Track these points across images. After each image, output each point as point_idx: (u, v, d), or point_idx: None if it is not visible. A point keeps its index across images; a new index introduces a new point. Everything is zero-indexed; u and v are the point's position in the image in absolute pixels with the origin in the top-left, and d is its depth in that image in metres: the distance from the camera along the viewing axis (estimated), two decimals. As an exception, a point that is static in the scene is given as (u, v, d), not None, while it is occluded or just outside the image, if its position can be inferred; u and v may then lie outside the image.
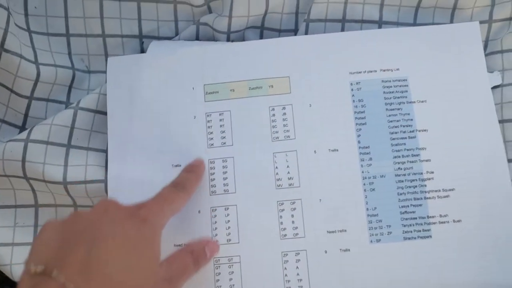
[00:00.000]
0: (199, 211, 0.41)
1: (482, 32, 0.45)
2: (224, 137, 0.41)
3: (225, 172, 0.41)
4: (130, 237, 0.30)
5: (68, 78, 0.46)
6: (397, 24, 0.47)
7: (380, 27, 0.46)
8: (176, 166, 0.41)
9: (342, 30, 0.47)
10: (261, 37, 0.47)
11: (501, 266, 0.39)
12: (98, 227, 0.30)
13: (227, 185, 0.41)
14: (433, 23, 0.46)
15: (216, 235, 0.40)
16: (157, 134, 0.42)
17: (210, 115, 0.42)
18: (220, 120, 0.42)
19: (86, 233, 0.29)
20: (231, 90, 0.42)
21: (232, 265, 0.40)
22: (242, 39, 0.47)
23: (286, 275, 0.39)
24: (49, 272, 0.27)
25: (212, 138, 0.42)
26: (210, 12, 0.47)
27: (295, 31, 0.47)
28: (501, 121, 0.42)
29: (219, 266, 0.40)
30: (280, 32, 0.47)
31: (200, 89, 0.42)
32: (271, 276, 0.40)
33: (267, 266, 0.40)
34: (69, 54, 0.47)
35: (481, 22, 0.45)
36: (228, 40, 0.46)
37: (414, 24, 0.47)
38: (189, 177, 0.38)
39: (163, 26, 0.47)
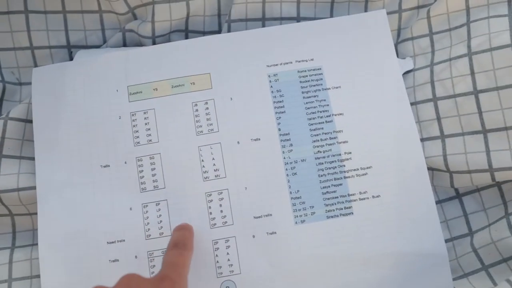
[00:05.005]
0: (130, 208, 0.42)
1: (393, 21, 0.48)
2: (150, 135, 0.43)
3: (153, 169, 0.42)
4: None
5: (-2, 91, 0.47)
6: (315, 19, 0.49)
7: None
8: (104, 166, 0.43)
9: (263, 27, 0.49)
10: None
11: (417, 236, 0.41)
12: None
13: (156, 181, 0.42)
14: (349, 16, 0.49)
15: (148, 229, 0.42)
16: (84, 137, 0.43)
17: (135, 114, 0.43)
18: (145, 118, 0.43)
19: None
20: (154, 90, 0.44)
21: (165, 257, 0.41)
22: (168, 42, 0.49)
23: (217, 261, 0.41)
24: None
25: (138, 137, 0.43)
26: (135, 18, 0.49)
27: (218, 32, 0.50)
28: (414, 103, 0.45)
29: (154, 259, 0.41)
30: (204, 33, 0.50)
31: (124, 91, 0.44)
32: (203, 264, 0.41)
33: (199, 255, 0.41)
34: (-1, 68, 0.48)
35: (392, 12, 0.48)
36: (153, 44, 0.48)
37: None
38: (184, 234, 0.39)
39: (91, 35, 0.49)
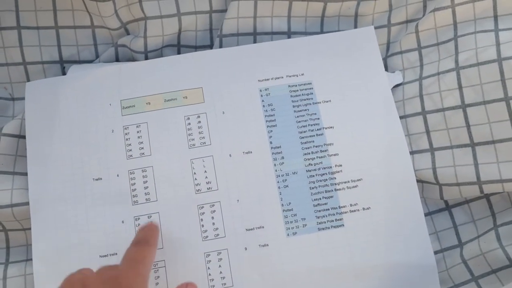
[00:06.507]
0: (122, 221, 0.42)
1: (382, 35, 0.49)
2: (143, 148, 0.43)
3: (145, 182, 0.43)
4: None
5: (-9, 107, 0.47)
6: (306, 33, 0.50)
7: (289, 37, 0.50)
8: (97, 179, 0.43)
9: (254, 42, 0.49)
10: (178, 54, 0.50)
11: (407, 247, 0.42)
12: None
13: (149, 194, 0.43)
14: (339, 31, 0.49)
15: (140, 243, 0.42)
16: (77, 150, 0.43)
17: (128, 127, 0.44)
18: (138, 132, 0.44)
19: None
20: (147, 103, 0.44)
21: (158, 270, 0.41)
22: (160, 57, 0.49)
23: (210, 274, 0.41)
24: None
25: (130, 150, 0.43)
26: (128, 34, 0.49)
27: (210, 47, 0.50)
28: (403, 116, 0.46)
29: (145, 273, 0.41)
30: (196, 48, 0.50)
31: (117, 104, 0.44)
32: (195, 277, 0.41)
33: (191, 268, 0.41)
34: (-9, 83, 0.48)
35: (381, 27, 0.49)
36: (146, 59, 0.49)
37: (322, 32, 0.50)
38: (147, 231, 0.38)
39: (83, 50, 0.49)
